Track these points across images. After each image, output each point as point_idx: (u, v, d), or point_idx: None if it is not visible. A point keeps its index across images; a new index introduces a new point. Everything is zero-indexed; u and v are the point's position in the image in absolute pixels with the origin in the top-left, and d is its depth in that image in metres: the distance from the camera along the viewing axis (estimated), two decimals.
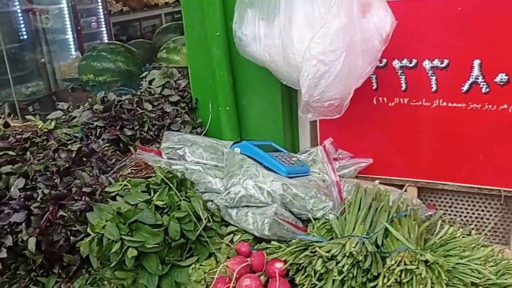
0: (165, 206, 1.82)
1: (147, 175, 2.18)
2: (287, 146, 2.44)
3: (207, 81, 2.48)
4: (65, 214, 1.86)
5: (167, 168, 2.04)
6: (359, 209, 1.84)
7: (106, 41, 6.99)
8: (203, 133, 2.55)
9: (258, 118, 2.47)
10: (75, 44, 6.70)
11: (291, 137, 2.52)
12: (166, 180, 1.89)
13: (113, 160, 2.23)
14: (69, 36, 6.76)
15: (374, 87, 2.25)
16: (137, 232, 1.71)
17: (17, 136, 2.19)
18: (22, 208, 1.89)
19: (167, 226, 1.77)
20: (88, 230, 1.78)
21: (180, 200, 1.85)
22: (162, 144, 2.30)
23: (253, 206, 1.94)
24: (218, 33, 2.28)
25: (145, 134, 2.45)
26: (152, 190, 1.90)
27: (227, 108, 2.41)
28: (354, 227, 1.74)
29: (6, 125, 2.28)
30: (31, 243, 1.80)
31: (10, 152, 2.10)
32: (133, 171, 2.18)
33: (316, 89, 1.88)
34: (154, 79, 2.56)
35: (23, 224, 1.85)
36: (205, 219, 1.84)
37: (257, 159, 2.09)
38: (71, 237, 1.86)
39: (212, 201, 1.97)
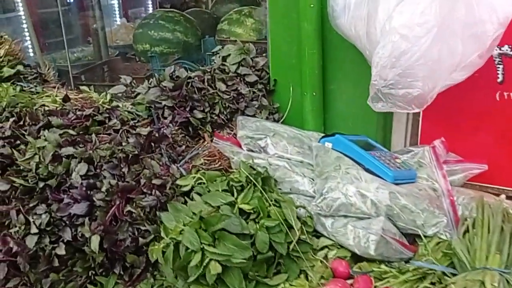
0: (252, 212, 1.53)
1: (221, 167, 1.90)
2: (378, 142, 2.09)
3: (290, 60, 2.15)
4: (134, 210, 1.60)
5: (250, 162, 1.73)
6: (488, 232, 1.49)
7: (151, 9, 6.69)
8: (281, 120, 2.23)
9: (348, 106, 2.13)
10: (119, 10, 6.45)
11: (383, 132, 2.16)
12: (252, 179, 1.59)
13: (183, 146, 1.95)
14: (114, 1, 6.51)
15: (499, 80, 1.85)
16: (220, 242, 1.42)
17: (77, 113, 1.93)
18: (84, 198, 1.63)
19: (253, 236, 1.48)
20: (162, 234, 1.51)
21: (270, 205, 1.55)
22: (239, 131, 1.99)
23: (352, 217, 1.62)
24: (312, 5, 1.93)
25: (216, 117, 2.15)
26: (234, 189, 1.60)
27: (314, 93, 2.07)
28: (486, 256, 1.40)
29: (66, 99, 2.01)
30: (94, 242, 1.55)
31: (70, 131, 1.84)
32: (206, 161, 1.89)
33: (391, 71, 1.50)
34: (229, 55, 2.23)
35: (86, 217, 1.60)
36: (298, 230, 1.53)
37: (355, 159, 1.76)
38: (140, 238, 1.59)
39: (304, 207, 1.65)
